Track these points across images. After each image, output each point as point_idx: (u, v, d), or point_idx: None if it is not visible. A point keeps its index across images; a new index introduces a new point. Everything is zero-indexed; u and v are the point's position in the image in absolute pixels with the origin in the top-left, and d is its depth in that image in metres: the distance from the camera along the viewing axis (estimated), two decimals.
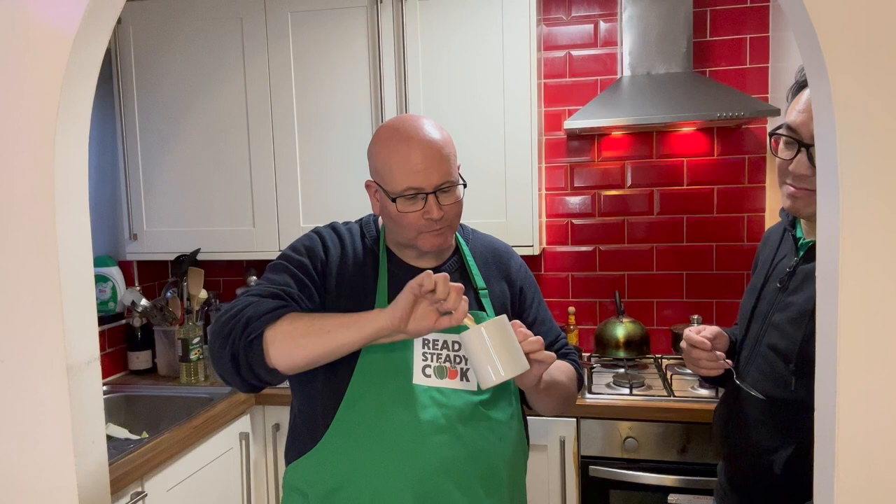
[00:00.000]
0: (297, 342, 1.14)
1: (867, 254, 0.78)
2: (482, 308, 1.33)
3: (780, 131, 1.23)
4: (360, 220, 1.41)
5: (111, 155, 2.64)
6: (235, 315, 1.18)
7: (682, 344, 1.38)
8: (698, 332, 1.35)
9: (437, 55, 2.35)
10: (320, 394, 1.26)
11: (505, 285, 1.39)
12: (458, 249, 1.38)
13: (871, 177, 0.78)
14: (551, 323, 1.45)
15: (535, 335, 1.32)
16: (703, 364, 1.34)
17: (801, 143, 1.18)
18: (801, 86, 1.23)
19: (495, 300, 1.35)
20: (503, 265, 1.41)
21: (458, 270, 1.36)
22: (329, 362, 1.24)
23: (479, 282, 1.35)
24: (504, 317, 1.14)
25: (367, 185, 1.32)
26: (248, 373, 1.17)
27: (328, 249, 1.31)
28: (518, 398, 1.35)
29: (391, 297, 1.26)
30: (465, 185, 1.28)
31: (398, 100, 2.38)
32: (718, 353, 1.33)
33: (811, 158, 1.16)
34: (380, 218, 1.39)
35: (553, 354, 1.19)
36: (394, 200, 1.23)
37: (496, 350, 1.10)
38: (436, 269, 1.32)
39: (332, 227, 1.37)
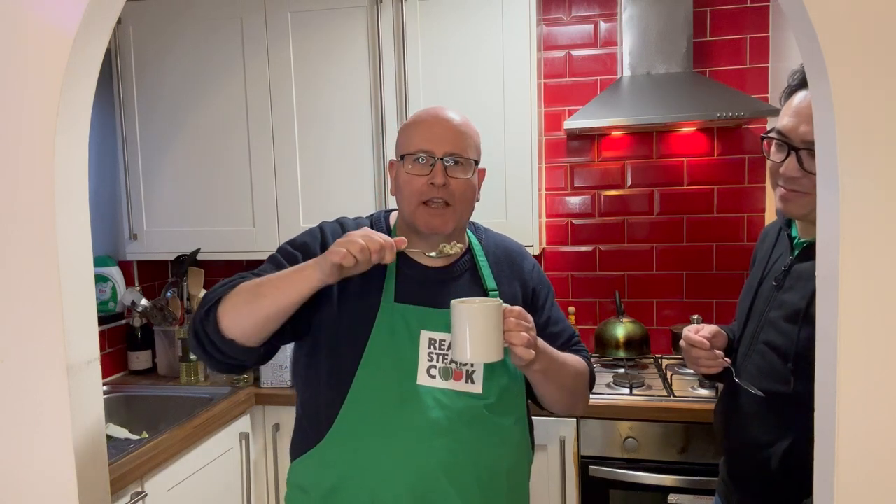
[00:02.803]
0: (239, 310, 1.16)
1: (867, 254, 0.78)
2: None
3: (771, 135, 1.26)
4: (371, 215, 1.42)
5: (111, 155, 2.64)
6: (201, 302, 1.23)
7: (682, 343, 1.39)
8: (697, 332, 1.37)
9: (437, 55, 2.35)
10: (324, 392, 1.26)
11: (517, 286, 1.38)
12: (469, 248, 1.38)
13: (871, 176, 0.78)
14: (565, 323, 1.44)
15: (549, 335, 1.34)
16: (702, 363, 1.36)
17: (791, 146, 1.21)
18: (792, 89, 1.26)
19: (506, 301, 1.34)
20: (516, 266, 1.40)
21: (469, 270, 1.35)
22: (331, 360, 1.25)
23: (490, 282, 1.34)
24: (497, 305, 1.15)
25: (390, 164, 1.36)
26: (211, 347, 1.20)
27: (327, 245, 1.31)
28: (525, 402, 1.34)
29: (398, 292, 1.27)
30: (477, 163, 1.31)
31: (398, 100, 2.38)
32: (717, 351, 1.35)
33: (801, 161, 1.19)
34: (391, 215, 1.40)
35: (531, 352, 1.17)
36: (402, 158, 1.27)
37: (473, 333, 1.13)
38: (447, 268, 1.32)
39: (339, 221, 1.38)
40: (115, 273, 2.57)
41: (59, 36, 0.95)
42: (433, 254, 1.27)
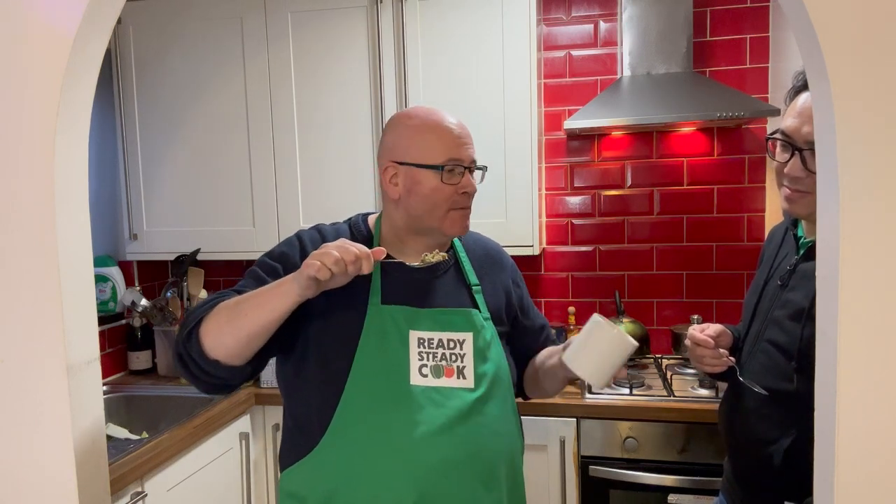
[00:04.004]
0: (222, 330, 1.15)
1: (867, 254, 0.79)
2: (475, 305, 1.33)
3: (775, 136, 1.28)
4: (349, 219, 1.41)
5: (111, 155, 2.64)
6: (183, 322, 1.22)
7: (687, 342, 1.41)
8: (702, 331, 1.39)
9: (437, 55, 2.35)
10: (315, 397, 1.25)
11: (498, 283, 1.41)
12: (451, 246, 1.40)
13: (871, 176, 0.78)
14: (540, 315, 1.52)
15: (531, 330, 1.46)
16: (706, 361, 1.38)
17: (795, 146, 1.23)
18: (797, 90, 1.27)
19: (488, 297, 1.37)
20: (496, 263, 1.43)
21: (453, 267, 1.36)
22: (321, 367, 1.24)
23: (472, 278, 1.36)
24: (631, 346, 1.21)
25: (386, 169, 1.30)
26: (197, 369, 1.18)
27: (306, 253, 1.28)
28: (512, 392, 1.36)
29: (385, 294, 1.27)
30: (485, 169, 1.35)
31: (398, 100, 2.38)
32: (722, 350, 1.36)
33: (804, 161, 1.21)
34: (369, 217, 1.40)
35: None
36: (441, 169, 1.25)
37: (606, 359, 1.19)
38: (430, 267, 1.32)
39: (317, 228, 1.37)
40: (115, 273, 2.57)
41: (59, 36, 0.95)
42: (416, 264, 1.27)
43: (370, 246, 1.29)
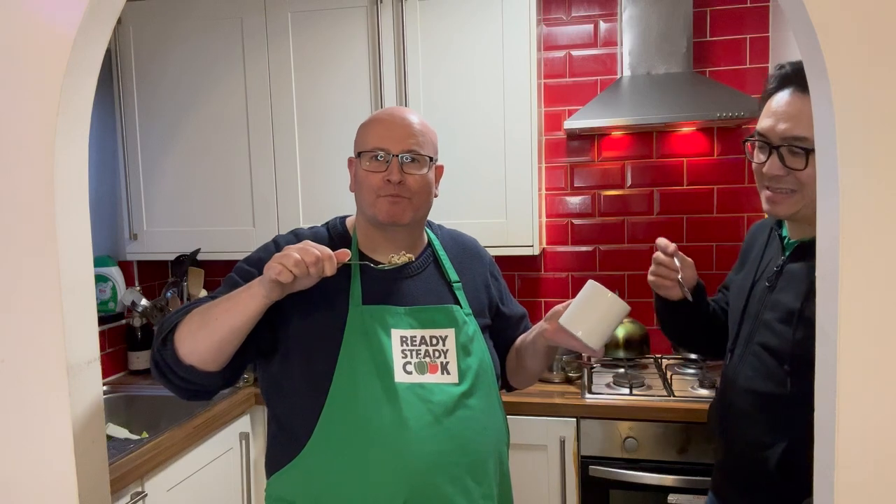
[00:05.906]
0: (195, 337, 1.16)
1: (867, 254, 0.79)
2: (457, 301, 1.35)
3: (752, 138, 1.29)
4: (327, 223, 1.42)
5: (111, 155, 2.64)
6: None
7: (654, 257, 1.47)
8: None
9: (437, 55, 2.35)
10: (299, 400, 1.25)
11: (478, 278, 1.43)
12: (430, 244, 1.41)
13: (871, 176, 0.78)
14: (517, 304, 1.55)
15: (509, 317, 1.49)
16: (661, 271, 1.46)
17: (771, 145, 1.23)
18: (769, 93, 1.28)
19: (469, 292, 1.38)
20: (474, 258, 1.45)
21: (432, 264, 1.38)
22: (306, 370, 1.24)
23: (453, 275, 1.38)
24: (626, 309, 1.26)
25: (349, 162, 1.37)
26: (173, 376, 1.19)
27: None
28: (497, 385, 1.37)
29: (365, 294, 1.28)
30: (432, 160, 1.33)
31: (398, 100, 2.38)
32: (677, 262, 1.44)
33: (782, 159, 1.22)
34: (347, 219, 1.41)
35: None
36: (359, 156, 1.30)
37: (599, 319, 1.24)
38: (409, 265, 1.33)
39: (294, 233, 1.38)
40: (115, 273, 2.56)
41: (59, 36, 0.95)
42: (383, 266, 1.28)
43: (347, 247, 1.30)
